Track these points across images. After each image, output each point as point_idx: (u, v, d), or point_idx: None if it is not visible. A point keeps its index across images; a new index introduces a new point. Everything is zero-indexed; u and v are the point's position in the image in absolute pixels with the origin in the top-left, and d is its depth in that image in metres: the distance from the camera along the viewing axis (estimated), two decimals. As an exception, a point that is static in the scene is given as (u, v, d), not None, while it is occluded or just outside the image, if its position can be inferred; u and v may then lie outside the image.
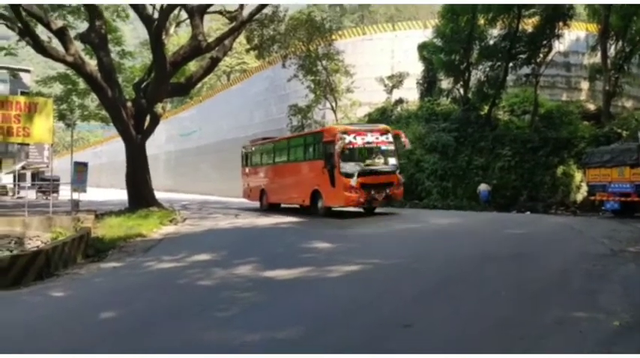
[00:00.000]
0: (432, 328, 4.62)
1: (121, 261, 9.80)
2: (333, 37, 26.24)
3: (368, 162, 15.06)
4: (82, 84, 24.13)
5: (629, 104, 27.61)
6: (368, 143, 15.26)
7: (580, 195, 20.26)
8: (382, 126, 16.74)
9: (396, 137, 15.85)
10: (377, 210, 15.96)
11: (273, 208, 19.27)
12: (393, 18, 48.40)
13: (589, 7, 23.81)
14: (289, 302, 6.00)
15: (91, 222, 13.59)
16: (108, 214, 16.74)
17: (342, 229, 12.82)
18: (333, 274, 7.26)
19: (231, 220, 16.40)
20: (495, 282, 6.11)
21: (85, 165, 17.29)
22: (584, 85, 27.31)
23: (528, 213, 18.45)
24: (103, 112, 24.26)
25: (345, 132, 15.00)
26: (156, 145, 38.50)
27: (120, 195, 24.15)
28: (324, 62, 25.73)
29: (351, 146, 14.89)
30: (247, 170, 21.99)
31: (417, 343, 4.28)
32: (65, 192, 18.94)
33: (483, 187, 20.12)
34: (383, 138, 15.47)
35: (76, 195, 16.30)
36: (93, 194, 21.90)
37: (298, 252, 9.52)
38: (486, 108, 23.23)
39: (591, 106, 25.60)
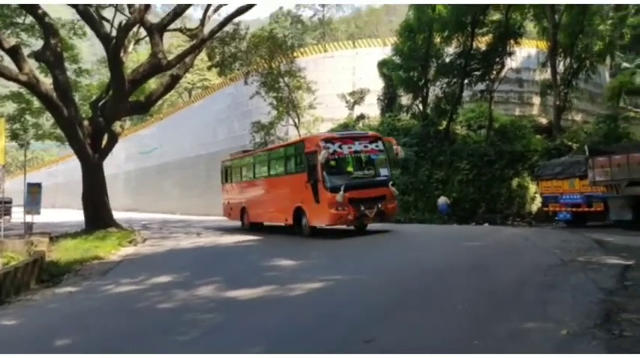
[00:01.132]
0: (392, 342, 4.70)
1: (77, 286, 9.49)
2: (295, 54, 26.55)
3: (356, 174, 13.67)
4: (36, 102, 23.50)
5: (578, 117, 29.00)
6: (356, 152, 13.68)
7: (535, 206, 21.08)
8: (371, 132, 15.61)
9: (387, 145, 14.60)
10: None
11: (255, 228, 17.83)
12: (354, 35, 49.35)
13: (539, 25, 25.05)
14: (252, 322, 5.96)
15: (46, 246, 13.11)
16: (63, 236, 16.21)
17: (304, 245, 12.85)
18: (296, 292, 7.26)
19: (193, 239, 16.17)
20: (453, 296, 6.27)
21: (38, 186, 16.78)
22: (536, 100, 28.55)
23: (486, 224, 19.02)
24: (59, 131, 23.62)
25: (329, 141, 13.52)
26: (115, 164, 37.66)
27: (76, 215, 23.44)
28: (286, 79, 25.96)
29: (337, 156, 13.43)
30: (227, 186, 20.54)
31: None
32: (18, 215, 18.28)
33: (442, 200, 20.64)
34: (373, 146, 13.95)
35: (29, 218, 15.77)
36: (48, 215, 21.21)
37: (261, 270, 9.48)
38: (444, 123, 23.96)
39: (543, 120, 26.77)
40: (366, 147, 13.84)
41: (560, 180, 16.66)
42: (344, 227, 14.29)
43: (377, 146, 14.03)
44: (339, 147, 13.45)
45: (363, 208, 13.07)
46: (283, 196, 15.49)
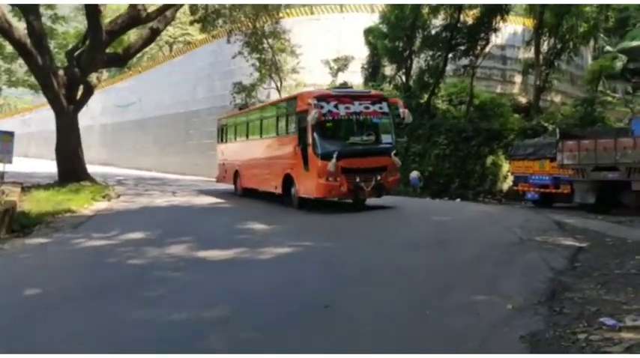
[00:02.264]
0: (349, 309, 4.96)
1: (48, 237, 9.55)
2: (280, 15, 26.02)
3: (353, 139, 11.80)
4: (9, 47, 22.67)
5: (557, 99, 29.34)
6: (355, 113, 11.76)
7: (506, 185, 21.55)
8: (375, 92, 13.80)
9: (393, 107, 12.67)
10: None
11: (249, 194, 16.19)
12: (342, -1, 48.28)
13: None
14: (219, 283, 6.17)
15: (17, 196, 13.00)
16: (35, 187, 16.09)
17: (278, 210, 13.02)
18: (265, 256, 7.49)
19: (169, 198, 16.21)
20: (414, 268, 6.58)
21: (11, 134, 16.41)
22: (518, 78, 28.69)
23: (458, 200, 19.45)
24: (33, 79, 22.96)
25: (323, 99, 11.67)
26: (90, 116, 36.83)
27: (49, 166, 23.08)
28: (270, 41, 25.51)
29: (331, 117, 11.61)
30: (222, 147, 18.82)
31: (334, 321, 4.62)
32: (-11, 163, 17.95)
33: (414, 175, 20.86)
34: (375, 107, 12.07)
35: (0, 166, 15.52)
36: (20, 165, 20.84)
37: (233, 232, 9.67)
38: (426, 96, 24.02)
39: (523, 100, 27.04)
40: (367, 108, 11.95)
41: (531, 160, 17.01)
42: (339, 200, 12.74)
43: (380, 108, 12.19)
44: (335, 106, 11.60)
45: (358, 180, 11.49)
46: (273, 161, 13.87)
